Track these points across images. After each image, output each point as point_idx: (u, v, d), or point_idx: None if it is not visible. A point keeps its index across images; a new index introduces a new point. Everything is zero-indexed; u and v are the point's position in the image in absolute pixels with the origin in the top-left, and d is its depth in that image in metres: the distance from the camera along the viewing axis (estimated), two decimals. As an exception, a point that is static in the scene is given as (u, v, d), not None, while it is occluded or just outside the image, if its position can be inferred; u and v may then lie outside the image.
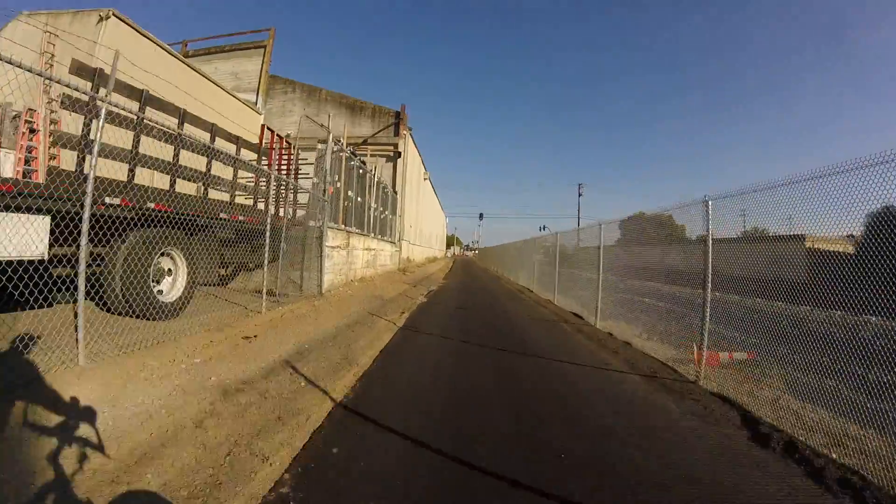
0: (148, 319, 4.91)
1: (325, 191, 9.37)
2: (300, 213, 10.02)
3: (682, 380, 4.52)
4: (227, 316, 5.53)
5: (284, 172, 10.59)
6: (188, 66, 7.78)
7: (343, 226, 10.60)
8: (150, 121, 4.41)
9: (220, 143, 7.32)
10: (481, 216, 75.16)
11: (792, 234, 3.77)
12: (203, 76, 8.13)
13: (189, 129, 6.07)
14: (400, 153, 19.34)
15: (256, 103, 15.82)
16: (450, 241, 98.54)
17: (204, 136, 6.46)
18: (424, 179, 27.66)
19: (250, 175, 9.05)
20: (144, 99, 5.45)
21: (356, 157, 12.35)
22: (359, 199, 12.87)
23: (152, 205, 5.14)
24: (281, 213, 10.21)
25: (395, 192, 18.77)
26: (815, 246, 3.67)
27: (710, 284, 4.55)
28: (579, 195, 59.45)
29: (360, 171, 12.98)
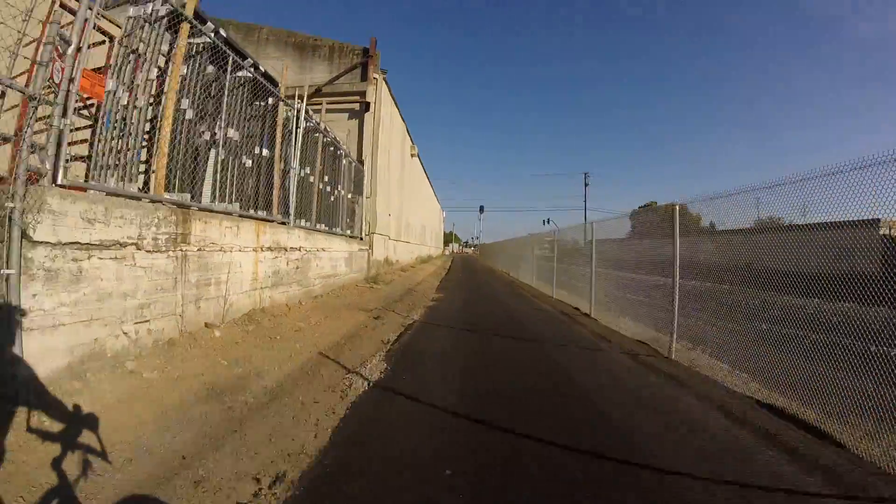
0: None
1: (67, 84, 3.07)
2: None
3: None
4: None
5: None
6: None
7: (166, 194, 4.27)
8: None
9: None
10: (482, 209, 68.74)
11: None
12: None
13: None
14: (369, 104, 12.99)
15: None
16: (448, 238, 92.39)
17: None
18: (412, 156, 21.27)
19: None
20: None
21: (244, 59, 5.98)
22: (263, 151, 6.58)
23: None
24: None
25: (362, 163, 12.44)
26: None
27: None
28: (585, 185, 53.42)
29: (271, 100, 6.67)
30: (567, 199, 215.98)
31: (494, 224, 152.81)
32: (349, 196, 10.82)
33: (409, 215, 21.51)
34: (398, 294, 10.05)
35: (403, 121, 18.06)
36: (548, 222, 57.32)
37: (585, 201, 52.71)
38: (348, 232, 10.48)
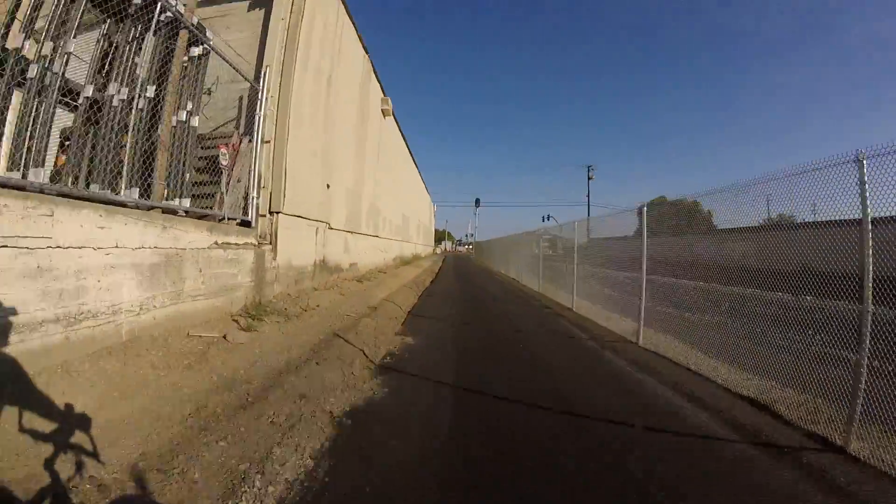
0: None
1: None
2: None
3: None
4: None
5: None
6: None
7: None
8: None
9: None
10: (477, 202, 62.71)
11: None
12: None
13: None
14: (278, -22, 6.93)
15: None
16: (440, 236, 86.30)
17: None
18: (384, 115, 15.11)
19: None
20: None
21: None
22: None
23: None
24: None
25: (260, 82, 6.35)
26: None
27: None
28: (588, 178, 49.53)
29: None
30: (567, 192, 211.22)
31: (490, 221, 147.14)
32: (190, 124, 4.73)
33: (380, 198, 15.40)
34: (287, 360, 4.06)
35: (366, 51, 11.93)
36: (547, 219, 51.66)
37: (589, 196, 48.16)
38: (182, 204, 4.41)
